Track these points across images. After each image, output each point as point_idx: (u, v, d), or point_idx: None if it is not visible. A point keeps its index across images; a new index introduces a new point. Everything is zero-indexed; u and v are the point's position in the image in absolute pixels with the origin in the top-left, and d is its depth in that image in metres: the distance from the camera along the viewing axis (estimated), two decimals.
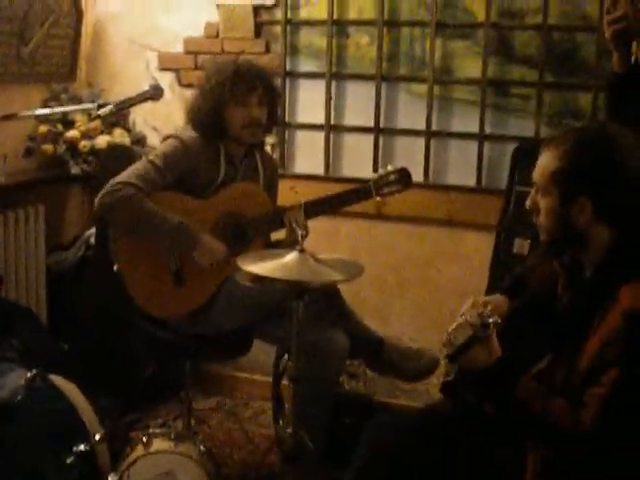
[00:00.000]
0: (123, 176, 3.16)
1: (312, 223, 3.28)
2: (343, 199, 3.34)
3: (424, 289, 4.13)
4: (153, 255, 3.20)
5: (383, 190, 3.34)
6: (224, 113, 3.27)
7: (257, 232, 3.29)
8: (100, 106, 2.98)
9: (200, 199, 3.26)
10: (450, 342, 2.13)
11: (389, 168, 3.38)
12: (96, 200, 3.15)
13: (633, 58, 2.79)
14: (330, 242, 3.99)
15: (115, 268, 3.22)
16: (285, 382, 3.37)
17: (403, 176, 3.37)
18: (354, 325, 3.36)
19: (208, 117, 3.28)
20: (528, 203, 2.23)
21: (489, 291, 3.54)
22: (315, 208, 3.30)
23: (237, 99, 3.26)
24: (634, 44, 2.75)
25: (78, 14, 4.45)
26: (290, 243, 3.17)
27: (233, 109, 3.27)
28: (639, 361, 1.95)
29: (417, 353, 3.37)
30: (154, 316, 3.24)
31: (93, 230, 4.06)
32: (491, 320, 2.08)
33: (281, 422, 3.64)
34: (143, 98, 3.03)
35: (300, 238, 2.57)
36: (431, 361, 3.33)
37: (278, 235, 3.42)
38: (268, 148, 4.01)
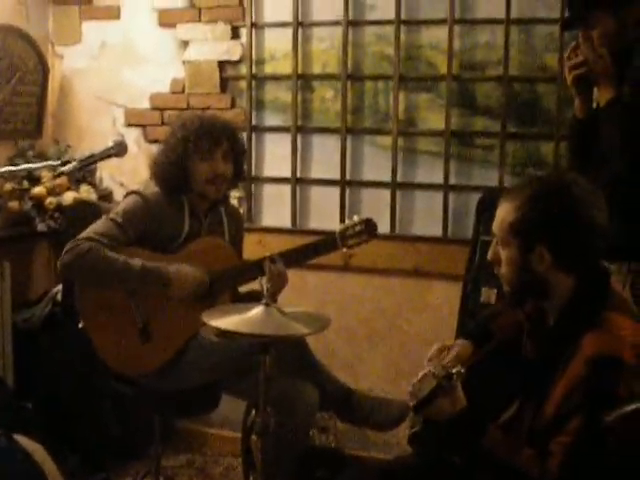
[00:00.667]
0: (83, 234, 3.16)
1: None
2: (308, 252, 3.34)
3: (394, 340, 4.12)
4: (119, 311, 3.17)
5: (349, 241, 3.35)
6: (188, 168, 3.28)
7: (224, 286, 3.27)
8: (64, 163, 2.97)
9: (165, 255, 3.24)
10: (414, 394, 2.13)
11: (354, 219, 3.39)
12: (58, 263, 3.14)
13: (595, 104, 2.84)
14: (298, 295, 3.97)
15: (80, 325, 3.19)
16: (254, 437, 3.34)
17: (368, 226, 3.38)
18: (323, 377, 3.35)
19: (172, 171, 3.28)
20: (490, 255, 2.25)
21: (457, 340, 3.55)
22: (291, 259, 3.29)
23: (202, 154, 3.26)
24: (595, 90, 2.80)
25: (44, 71, 4.47)
26: (271, 295, 3.16)
27: (197, 164, 3.27)
28: (602, 408, 1.95)
29: (387, 402, 3.36)
30: (121, 373, 3.20)
31: (60, 287, 4.04)
32: (454, 371, 2.08)
33: (251, 478, 3.59)
34: (107, 154, 3.02)
35: (265, 291, 2.56)
36: (401, 410, 3.31)
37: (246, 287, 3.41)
38: (235, 202, 4.03)
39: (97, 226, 3.18)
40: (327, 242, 3.35)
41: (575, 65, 2.79)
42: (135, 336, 3.17)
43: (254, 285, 3.22)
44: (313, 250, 3.34)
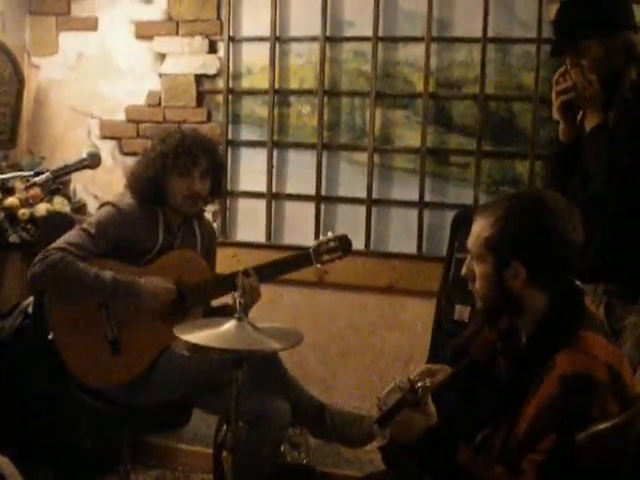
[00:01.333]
0: (54, 244, 3.14)
1: None
2: (282, 266, 3.34)
3: (367, 357, 4.11)
4: (89, 323, 3.15)
5: (323, 257, 3.35)
6: (165, 183, 3.27)
7: (196, 299, 3.25)
8: (37, 173, 2.95)
9: (137, 267, 3.22)
10: (379, 408, 2.12)
11: (329, 235, 3.40)
12: (28, 273, 3.11)
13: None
14: (271, 310, 3.96)
15: (50, 337, 3.15)
16: (225, 453, 3.32)
17: (343, 243, 3.39)
18: (295, 392, 3.34)
19: (149, 185, 3.27)
20: (464, 270, 2.25)
21: (430, 357, 3.55)
22: (264, 274, 3.29)
23: (180, 171, 3.25)
24: (580, 115, 2.82)
25: (19, 81, 4.44)
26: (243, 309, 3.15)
27: (175, 180, 3.26)
28: (574, 427, 1.94)
29: (359, 418, 3.36)
30: (91, 387, 3.17)
31: (31, 299, 3.99)
32: (419, 384, 2.07)
33: None
34: (80, 166, 3.00)
35: (238, 305, 2.54)
36: (373, 426, 3.30)
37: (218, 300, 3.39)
38: (209, 216, 4.01)
39: (69, 236, 3.16)
40: (301, 257, 3.35)
41: (564, 90, 2.80)
42: (105, 348, 3.15)
43: (227, 299, 3.21)
44: (287, 265, 3.34)
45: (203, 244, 3.43)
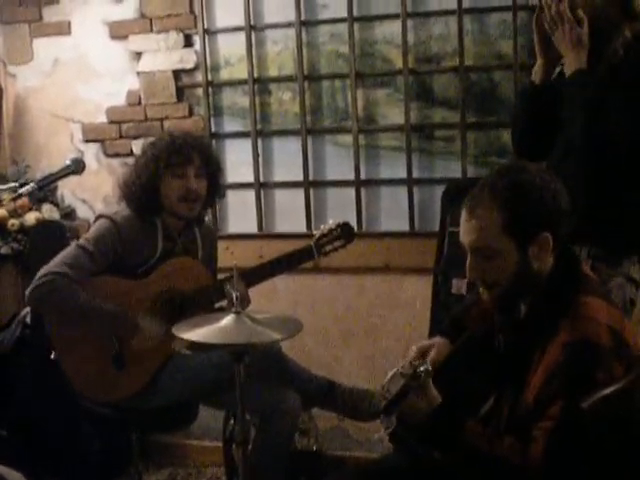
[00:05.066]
0: (52, 265, 3.09)
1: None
2: (284, 264, 3.28)
3: (369, 338, 4.11)
4: (91, 339, 3.13)
5: (325, 248, 3.30)
6: (160, 186, 3.21)
7: (197, 306, 3.18)
8: (22, 184, 2.93)
9: (135, 279, 3.19)
10: (383, 395, 2.12)
11: (330, 224, 3.33)
12: (26, 293, 3.09)
13: (557, 70, 2.80)
14: (269, 299, 3.95)
15: (53, 356, 3.15)
16: (235, 446, 3.32)
17: (345, 230, 3.32)
18: (303, 378, 3.32)
19: (143, 191, 3.21)
20: (472, 273, 2.20)
21: (431, 333, 3.54)
22: (257, 276, 3.25)
23: (173, 171, 3.19)
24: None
25: None
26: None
27: (169, 181, 3.20)
28: (582, 392, 1.95)
29: (369, 392, 3.34)
30: (96, 402, 3.17)
31: (29, 309, 3.98)
32: (422, 369, 2.06)
33: None
34: (65, 173, 2.97)
35: (235, 300, 2.53)
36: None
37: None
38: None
39: (66, 256, 3.11)
40: (303, 252, 3.29)
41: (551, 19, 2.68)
42: (108, 364, 3.13)
43: None
44: (289, 262, 3.28)
45: (204, 250, 3.38)
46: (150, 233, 3.24)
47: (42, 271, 3.08)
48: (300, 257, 3.30)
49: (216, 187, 3.36)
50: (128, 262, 3.19)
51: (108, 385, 3.14)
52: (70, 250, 3.15)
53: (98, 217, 3.31)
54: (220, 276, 3.41)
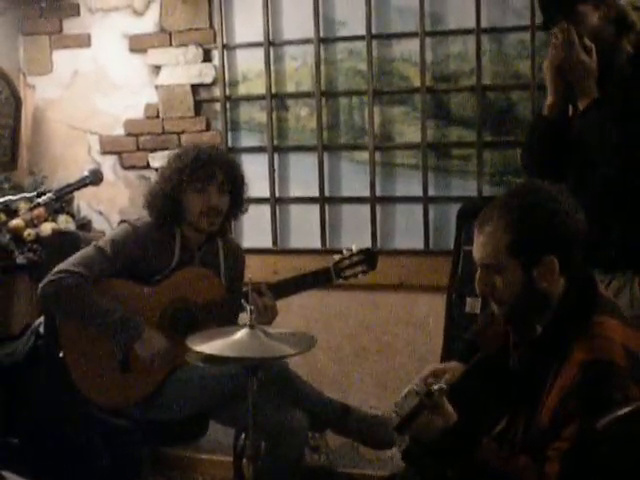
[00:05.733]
0: (67, 263, 3.13)
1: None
2: (301, 284, 3.27)
3: (381, 355, 4.11)
4: (99, 341, 3.14)
5: (345, 272, 3.27)
6: (182, 199, 3.23)
7: (209, 317, 3.20)
8: (40, 194, 2.94)
9: (149, 285, 3.21)
10: (397, 414, 2.11)
11: (352, 249, 3.29)
12: (39, 288, 3.12)
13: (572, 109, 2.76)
14: (282, 315, 3.92)
15: (60, 354, 3.17)
16: (245, 461, 3.31)
17: (367, 257, 3.30)
18: (312, 400, 3.29)
19: (165, 202, 3.23)
20: (481, 288, 2.21)
21: (445, 352, 3.54)
22: (283, 290, 3.25)
23: (195, 186, 3.21)
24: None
25: (17, 102, 4.44)
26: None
27: (191, 196, 3.21)
28: (598, 412, 1.94)
29: (384, 421, 3.32)
30: (101, 407, 3.17)
31: (42, 319, 3.99)
32: (436, 387, 2.05)
33: None
34: (83, 184, 2.99)
35: (250, 314, 2.53)
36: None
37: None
38: None
39: (83, 256, 3.16)
40: (320, 274, 3.27)
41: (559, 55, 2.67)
42: (115, 367, 3.15)
43: None
44: (305, 282, 3.27)
45: (227, 265, 3.37)
46: (168, 243, 3.26)
47: (57, 268, 3.12)
48: (317, 279, 3.27)
49: (239, 202, 3.36)
50: (144, 269, 3.21)
51: (113, 389, 3.16)
52: (88, 250, 3.18)
53: (120, 222, 3.37)
54: None
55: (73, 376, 3.16)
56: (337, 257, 3.28)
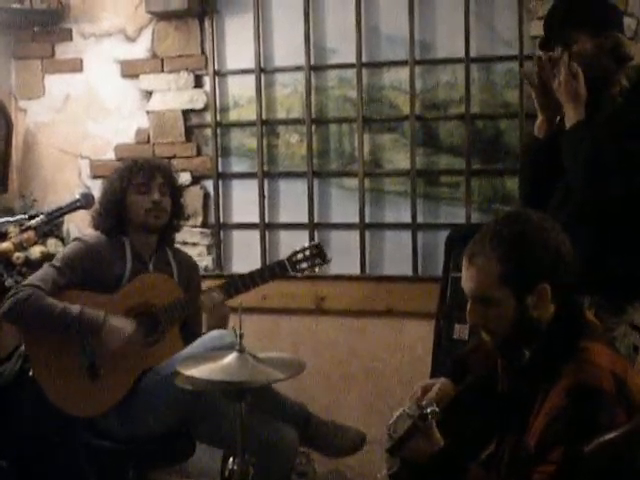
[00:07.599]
0: (24, 281, 3.25)
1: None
2: (256, 277, 3.36)
3: (369, 382, 4.11)
4: (65, 352, 3.18)
5: (301, 265, 3.40)
6: (126, 203, 3.33)
7: (170, 320, 3.27)
8: (31, 217, 2.96)
9: (107, 294, 3.26)
10: (390, 436, 2.11)
11: (304, 245, 3.47)
12: (1, 308, 3.19)
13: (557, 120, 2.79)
14: (271, 340, 3.97)
15: (30, 373, 3.22)
16: None
17: (318, 251, 3.45)
18: (279, 405, 3.31)
19: (109, 210, 3.34)
20: (473, 320, 2.21)
21: (433, 377, 3.53)
22: (230, 288, 3.32)
23: (138, 189, 3.32)
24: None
25: (8, 125, 4.45)
26: (211, 327, 3.24)
27: (135, 198, 3.32)
28: (584, 436, 1.95)
29: (343, 428, 3.34)
30: (74, 416, 3.19)
31: None
32: (429, 410, 2.06)
33: None
34: (74, 207, 3.02)
35: (239, 338, 2.53)
36: (358, 436, 3.34)
37: None
38: (203, 249, 4.03)
39: (38, 273, 3.26)
40: (275, 266, 3.40)
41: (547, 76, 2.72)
42: (83, 375, 3.18)
43: None
44: (261, 275, 3.37)
45: (180, 274, 3.44)
46: (119, 253, 3.33)
47: (13, 289, 3.21)
48: (272, 271, 3.39)
49: (179, 207, 3.46)
50: (99, 279, 3.27)
51: (83, 398, 3.18)
52: (42, 269, 3.29)
53: (72, 240, 3.47)
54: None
55: (45, 391, 3.19)
56: (290, 251, 3.42)
